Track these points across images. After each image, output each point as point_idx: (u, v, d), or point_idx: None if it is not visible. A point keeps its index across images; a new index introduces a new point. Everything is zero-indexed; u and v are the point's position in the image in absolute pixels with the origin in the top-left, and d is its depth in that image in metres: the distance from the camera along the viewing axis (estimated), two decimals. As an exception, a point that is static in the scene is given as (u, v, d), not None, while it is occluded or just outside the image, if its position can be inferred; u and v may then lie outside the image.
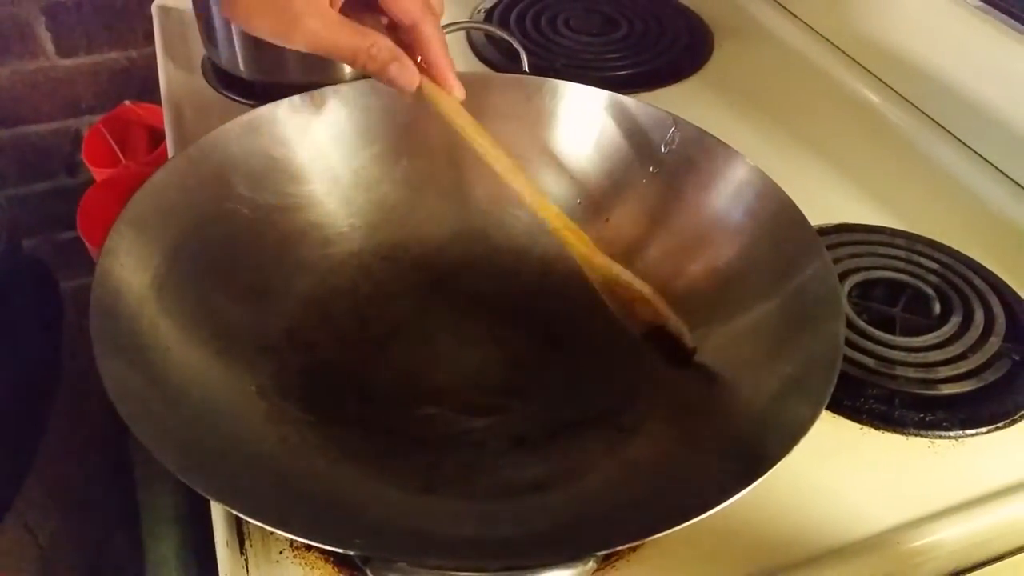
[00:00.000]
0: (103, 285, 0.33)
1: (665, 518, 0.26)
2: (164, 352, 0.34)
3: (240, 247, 0.40)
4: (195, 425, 0.31)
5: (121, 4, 0.88)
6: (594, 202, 0.44)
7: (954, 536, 0.35)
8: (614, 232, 0.43)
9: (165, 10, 0.66)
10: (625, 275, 0.37)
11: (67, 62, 0.91)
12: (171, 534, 0.55)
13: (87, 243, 0.85)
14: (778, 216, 0.38)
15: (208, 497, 0.26)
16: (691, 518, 0.25)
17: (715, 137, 0.42)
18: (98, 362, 0.30)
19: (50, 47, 0.89)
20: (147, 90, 0.92)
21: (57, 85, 0.92)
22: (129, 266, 0.35)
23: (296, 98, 0.43)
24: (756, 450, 0.28)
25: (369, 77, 0.45)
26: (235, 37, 0.54)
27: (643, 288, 0.37)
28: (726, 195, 0.40)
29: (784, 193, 0.38)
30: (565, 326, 0.42)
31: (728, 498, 0.26)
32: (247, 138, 0.42)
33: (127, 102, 0.89)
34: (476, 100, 0.45)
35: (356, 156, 0.44)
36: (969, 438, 0.39)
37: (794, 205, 0.38)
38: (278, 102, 0.43)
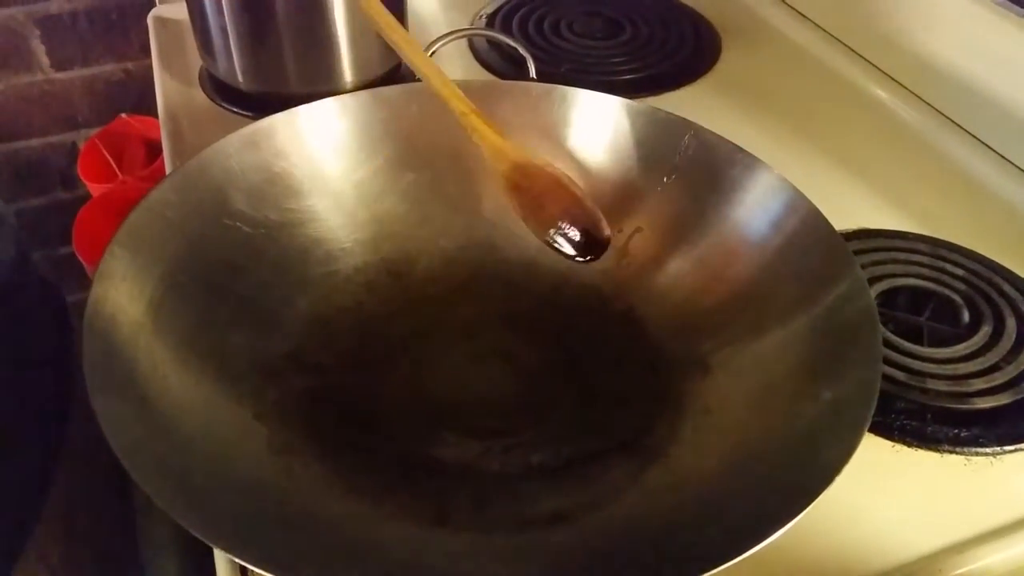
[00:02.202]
0: (97, 313, 0.31)
1: (698, 560, 0.24)
2: (161, 381, 0.32)
3: (239, 266, 0.39)
4: (194, 460, 0.30)
5: (117, 15, 0.87)
6: (607, 212, 0.43)
7: (1000, 561, 0.33)
8: (630, 244, 0.42)
9: (161, 21, 0.64)
10: (537, 159, 0.38)
11: (62, 75, 0.89)
12: (171, 563, 0.53)
13: (83, 262, 0.83)
14: (805, 229, 0.36)
15: (210, 544, 0.25)
16: (725, 562, 0.23)
17: (733, 143, 0.40)
18: (91, 397, 0.28)
19: (44, 60, 0.88)
20: (144, 102, 0.90)
21: (52, 99, 0.90)
22: (124, 291, 0.33)
23: (296, 110, 0.41)
24: (793, 482, 0.27)
25: (370, 88, 0.44)
26: (233, 48, 0.52)
27: (554, 171, 0.38)
28: (748, 205, 0.38)
29: (811, 204, 0.36)
30: (579, 341, 0.40)
31: (762, 541, 0.24)
32: (245, 152, 0.40)
33: (124, 115, 0.87)
34: (483, 108, 0.44)
35: (358, 169, 0.43)
36: (1008, 455, 0.37)
37: (823, 217, 0.36)
38: (277, 115, 0.41)
